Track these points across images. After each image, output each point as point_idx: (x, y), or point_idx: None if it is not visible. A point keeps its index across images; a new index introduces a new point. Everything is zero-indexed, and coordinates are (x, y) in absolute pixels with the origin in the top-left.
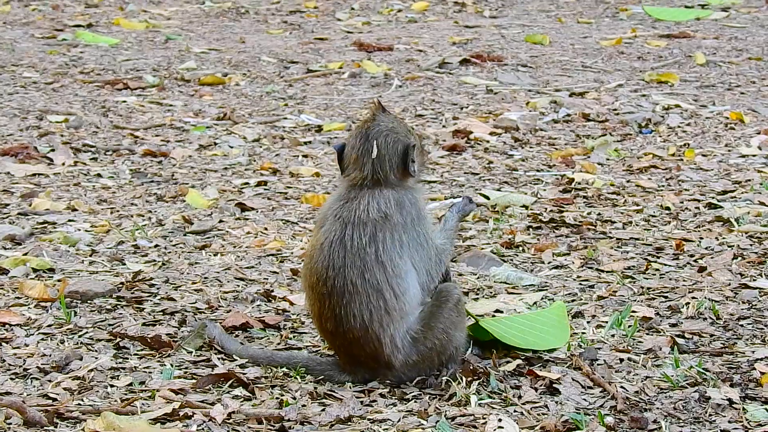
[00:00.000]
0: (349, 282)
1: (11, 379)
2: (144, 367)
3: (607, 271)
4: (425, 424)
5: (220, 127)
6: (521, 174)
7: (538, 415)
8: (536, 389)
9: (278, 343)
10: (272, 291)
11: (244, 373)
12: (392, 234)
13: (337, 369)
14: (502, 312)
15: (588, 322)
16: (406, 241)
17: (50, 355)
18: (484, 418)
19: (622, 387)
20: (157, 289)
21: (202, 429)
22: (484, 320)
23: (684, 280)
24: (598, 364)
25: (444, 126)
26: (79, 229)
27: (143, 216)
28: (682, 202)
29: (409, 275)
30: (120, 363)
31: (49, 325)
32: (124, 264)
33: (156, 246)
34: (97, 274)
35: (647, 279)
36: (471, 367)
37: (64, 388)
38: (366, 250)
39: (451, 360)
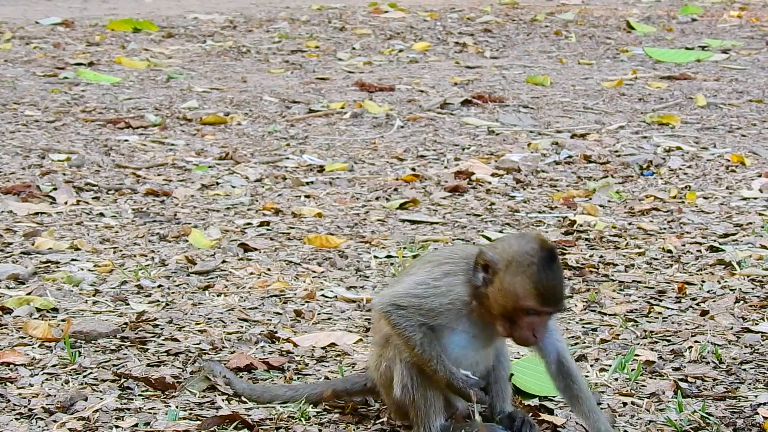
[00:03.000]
0: None
1: (16, 419)
2: (149, 408)
3: (610, 314)
4: None
5: (222, 167)
6: (523, 216)
7: None
8: None
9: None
10: (276, 332)
11: (248, 415)
12: None
13: None
14: None
15: (591, 366)
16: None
17: (55, 396)
18: None
19: (625, 431)
20: (161, 329)
21: None
22: None
23: (686, 324)
24: (601, 409)
25: (446, 167)
26: (83, 269)
27: (146, 256)
28: (683, 245)
29: None
30: (125, 404)
31: (54, 365)
32: (128, 304)
33: (159, 286)
34: (101, 314)
35: (650, 322)
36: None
37: (69, 429)
38: None
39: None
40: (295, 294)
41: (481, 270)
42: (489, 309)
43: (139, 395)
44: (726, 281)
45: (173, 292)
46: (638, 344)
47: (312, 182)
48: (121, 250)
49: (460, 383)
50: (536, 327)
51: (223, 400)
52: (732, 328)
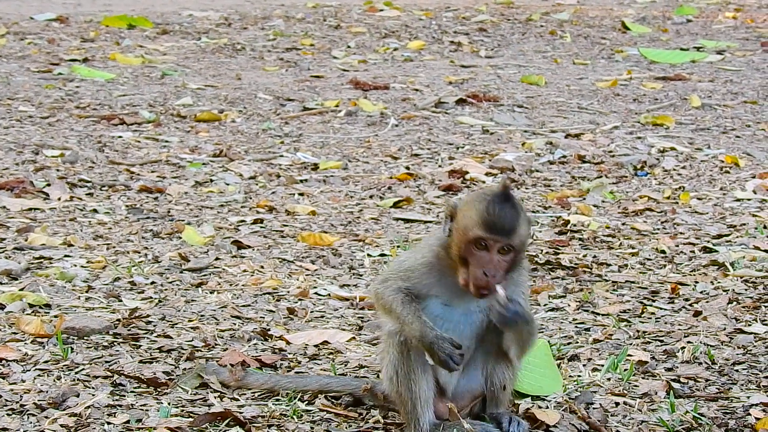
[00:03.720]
0: None
1: (8, 415)
2: (141, 405)
3: (603, 314)
4: None
5: (216, 164)
6: None
7: None
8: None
9: None
10: (269, 330)
11: (240, 412)
12: None
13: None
14: None
15: (584, 365)
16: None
17: (47, 392)
18: None
19: (617, 431)
20: (154, 326)
21: None
22: None
23: (679, 324)
24: (594, 408)
25: (440, 166)
26: (75, 265)
27: (139, 252)
28: (677, 246)
29: None
30: (117, 400)
31: (46, 361)
32: (121, 300)
33: (152, 283)
34: (94, 311)
35: (643, 323)
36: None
37: (61, 425)
38: None
39: None
40: (288, 292)
41: (448, 220)
42: (452, 258)
43: (131, 392)
44: (719, 282)
45: (166, 289)
46: (631, 344)
47: (306, 180)
48: (114, 247)
49: (431, 335)
50: (486, 264)
51: (215, 398)
52: (725, 329)
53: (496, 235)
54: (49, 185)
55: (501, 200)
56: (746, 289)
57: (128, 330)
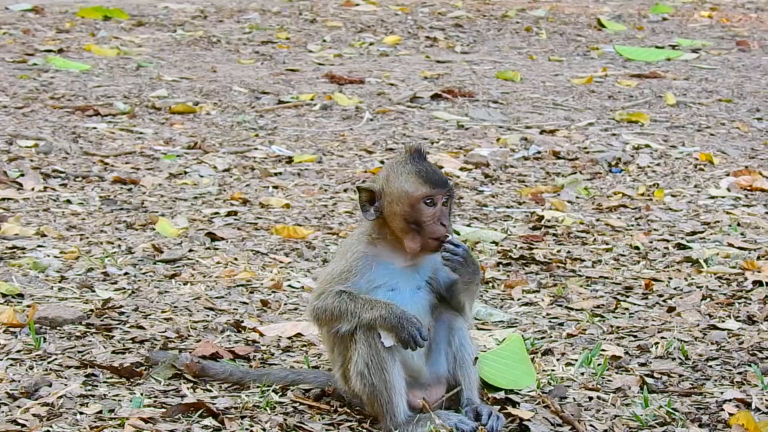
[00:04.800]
0: None
1: None
2: (113, 395)
3: (577, 309)
4: None
5: (191, 156)
6: (491, 210)
7: None
8: (507, 427)
9: None
10: (242, 321)
11: (213, 404)
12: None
13: None
14: None
15: (558, 360)
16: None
17: (19, 381)
18: None
19: (591, 425)
20: (127, 317)
21: None
22: None
23: (653, 320)
24: (567, 402)
25: None
26: (49, 255)
27: (113, 243)
28: (651, 242)
29: None
30: (89, 390)
31: (18, 351)
32: (94, 291)
33: (126, 274)
34: (67, 301)
35: (617, 318)
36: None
37: (34, 415)
38: None
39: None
40: (262, 284)
41: (368, 205)
42: (393, 232)
43: (104, 382)
44: (693, 278)
45: (139, 280)
46: (605, 339)
47: (280, 173)
48: (87, 237)
49: (397, 312)
50: (439, 216)
51: (188, 388)
52: (698, 325)
53: (440, 188)
54: (22, 175)
55: (423, 159)
56: (720, 286)
57: (101, 320)
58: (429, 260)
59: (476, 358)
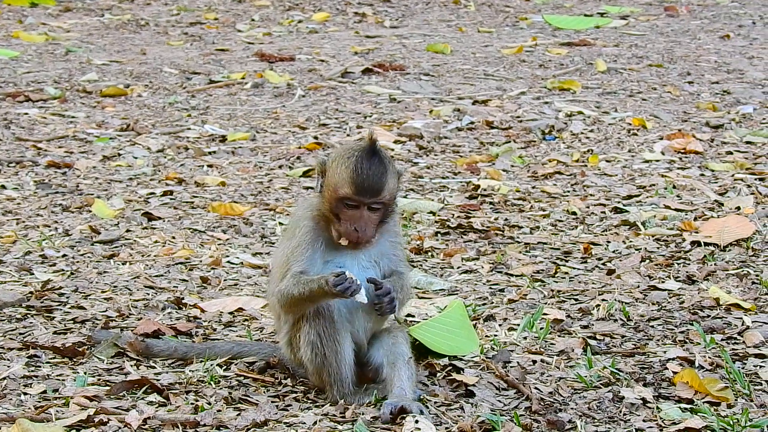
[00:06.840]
0: None
1: None
2: (57, 375)
3: (517, 275)
4: (341, 427)
5: (124, 138)
6: (427, 181)
7: (454, 416)
8: (452, 392)
9: None
10: (183, 299)
11: (158, 380)
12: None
13: None
14: (414, 317)
15: (500, 325)
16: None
17: None
18: (401, 420)
19: (536, 388)
20: (67, 298)
21: None
22: (413, 329)
23: (593, 283)
24: (511, 367)
25: (348, 135)
26: None
27: (49, 226)
28: (588, 207)
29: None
30: (32, 371)
31: None
32: (33, 274)
33: (64, 256)
34: (6, 284)
35: (557, 282)
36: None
37: None
38: None
39: None
40: (201, 261)
41: (320, 177)
42: (325, 214)
43: (47, 362)
44: (631, 241)
45: (78, 261)
46: (546, 304)
47: (215, 152)
48: (24, 221)
49: (325, 277)
50: (356, 221)
51: (131, 366)
52: (639, 287)
53: (364, 196)
54: None
55: (368, 157)
56: (658, 248)
57: (41, 302)
58: (375, 244)
59: (410, 358)
